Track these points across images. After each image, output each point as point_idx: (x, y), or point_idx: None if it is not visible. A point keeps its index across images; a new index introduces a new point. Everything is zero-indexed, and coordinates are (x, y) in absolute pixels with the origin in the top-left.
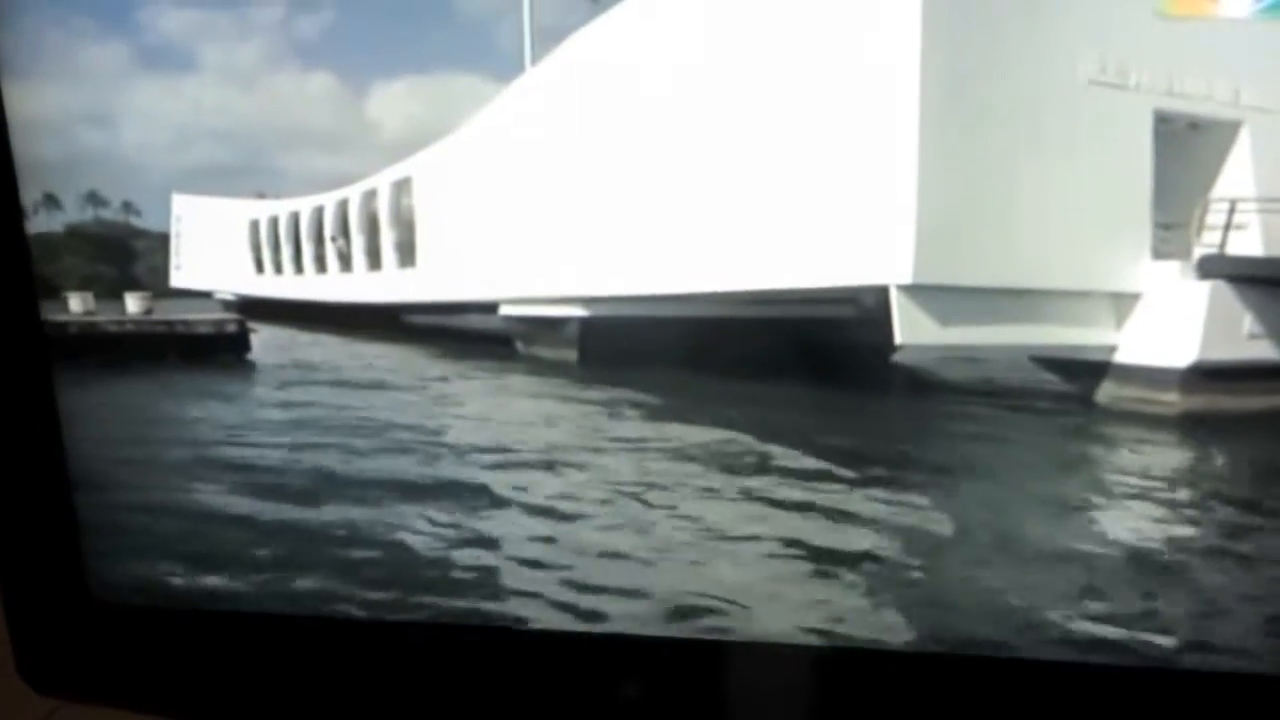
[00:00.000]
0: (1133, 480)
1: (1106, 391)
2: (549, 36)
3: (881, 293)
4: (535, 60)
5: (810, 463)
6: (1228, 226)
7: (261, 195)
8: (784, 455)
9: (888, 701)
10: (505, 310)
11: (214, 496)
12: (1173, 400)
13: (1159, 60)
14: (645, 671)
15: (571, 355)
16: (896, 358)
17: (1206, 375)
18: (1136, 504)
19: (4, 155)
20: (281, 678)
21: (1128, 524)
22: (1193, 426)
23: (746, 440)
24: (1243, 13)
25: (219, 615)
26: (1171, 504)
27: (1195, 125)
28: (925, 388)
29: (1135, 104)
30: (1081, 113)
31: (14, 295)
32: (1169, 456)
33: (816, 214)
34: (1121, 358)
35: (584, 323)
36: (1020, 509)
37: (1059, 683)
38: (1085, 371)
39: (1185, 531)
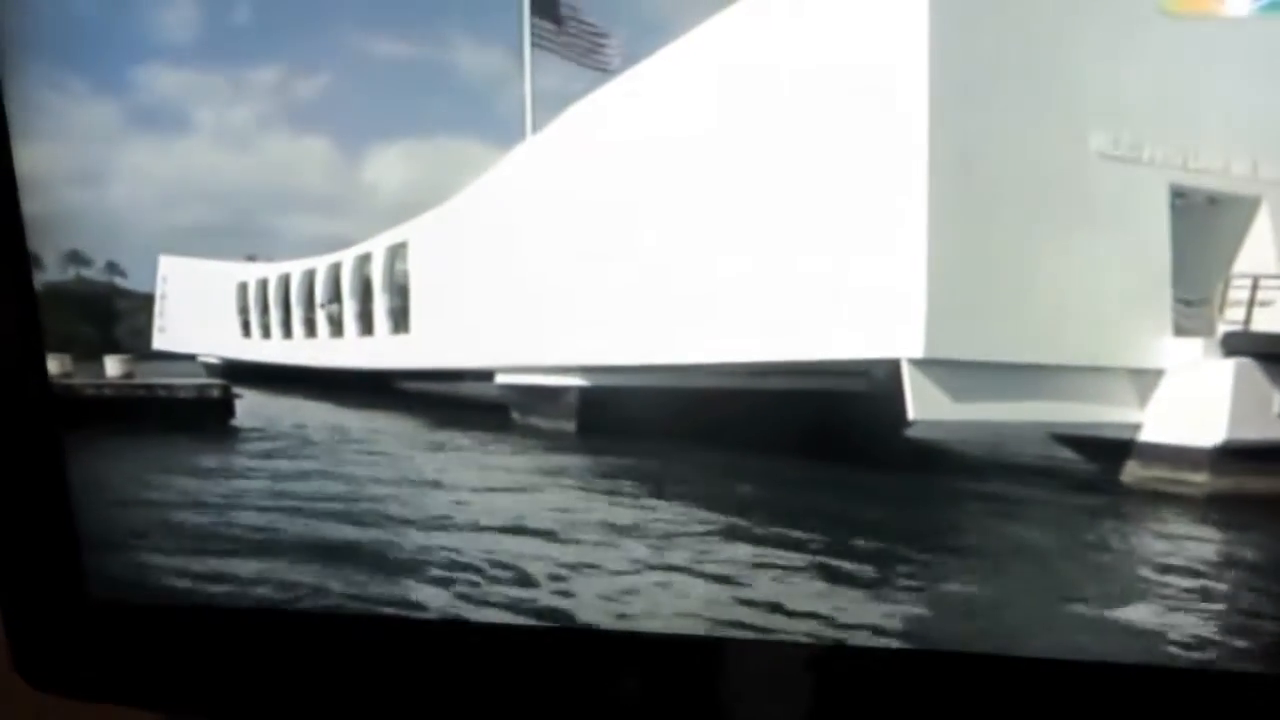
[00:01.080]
0: (1161, 572)
1: (1131, 471)
2: (551, 103)
3: (893, 366)
4: (536, 127)
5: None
6: (1251, 303)
7: (252, 258)
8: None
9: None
10: (501, 378)
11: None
12: (1202, 481)
13: (1173, 134)
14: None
15: (570, 426)
16: (911, 433)
17: (1237, 455)
18: (1162, 599)
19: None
20: (278, 674)
21: (1154, 623)
22: (1223, 509)
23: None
24: (1243, 10)
25: (214, 611)
26: (1203, 595)
27: (1214, 200)
28: (940, 466)
29: (1150, 179)
30: (1094, 187)
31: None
32: (1200, 544)
33: (826, 284)
34: (1146, 436)
35: (583, 392)
36: (1037, 607)
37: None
38: (1108, 450)
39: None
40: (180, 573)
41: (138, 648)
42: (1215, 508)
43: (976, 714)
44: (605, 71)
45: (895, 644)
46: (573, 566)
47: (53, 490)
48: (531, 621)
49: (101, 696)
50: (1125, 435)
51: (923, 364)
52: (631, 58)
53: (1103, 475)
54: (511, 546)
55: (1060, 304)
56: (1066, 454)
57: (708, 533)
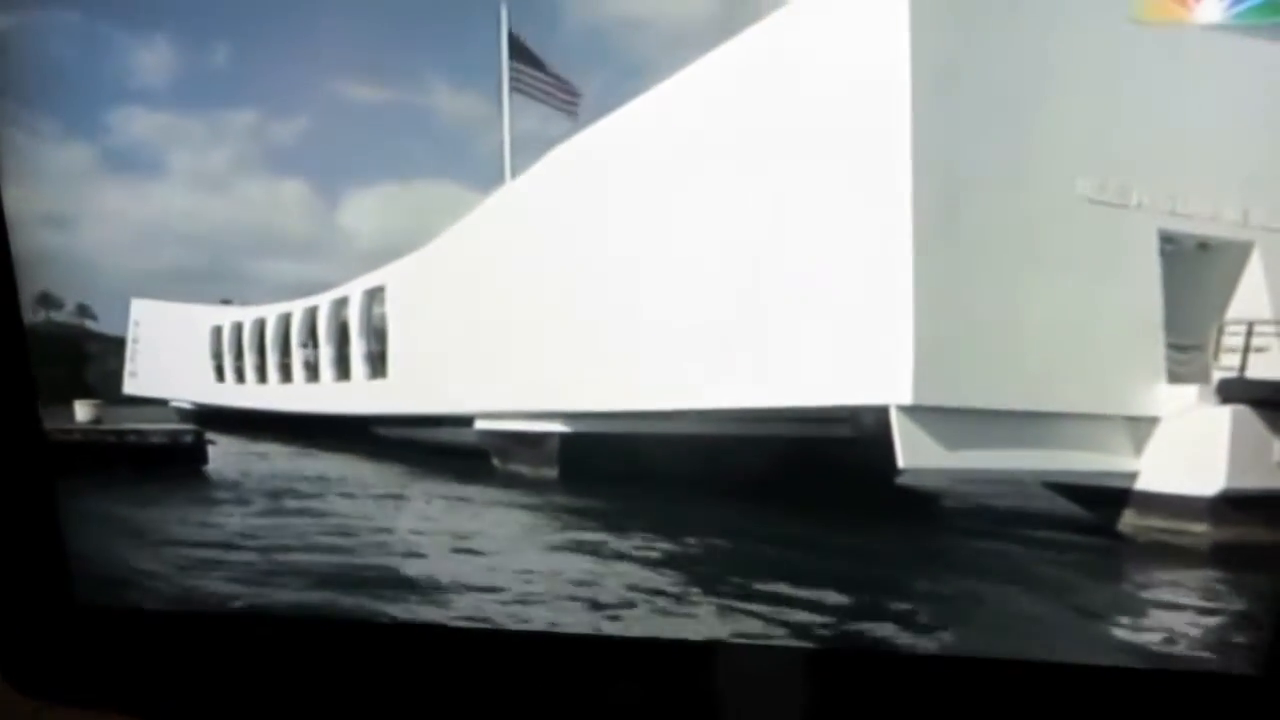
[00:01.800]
0: (1166, 624)
1: (1129, 520)
2: (530, 147)
3: (882, 413)
4: (515, 171)
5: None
6: (1246, 349)
7: (227, 302)
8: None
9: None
10: (481, 424)
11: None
12: (1203, 531)
13: (1162, 179)
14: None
15: (552, 472)
16: (902, 480)
17: (1237, 505)
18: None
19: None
20: (269, 678)
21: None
22: (1226, 559)
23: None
24: (1218, 17)
25: (202, 617)
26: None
27: (1204, 245)
28: (931, 516)
29: (1138, 223)
30: (1081, 232)
31: None
32: (1203, 594)
33: (812, 329)
34: (1143, 485)
35: (565, 439)
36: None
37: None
38: (1105, 499)
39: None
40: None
41: (125, 654)
42: (1218, 557)
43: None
44: (571, 116)
45: None
46: None
47: (39, 505)
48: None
49: (91, 702)
50: (1121, 484)
51: (912, 411)
52: (606, 104)
53: (1100, 524)
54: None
55: (1051, 350)
56: (1061, 502)
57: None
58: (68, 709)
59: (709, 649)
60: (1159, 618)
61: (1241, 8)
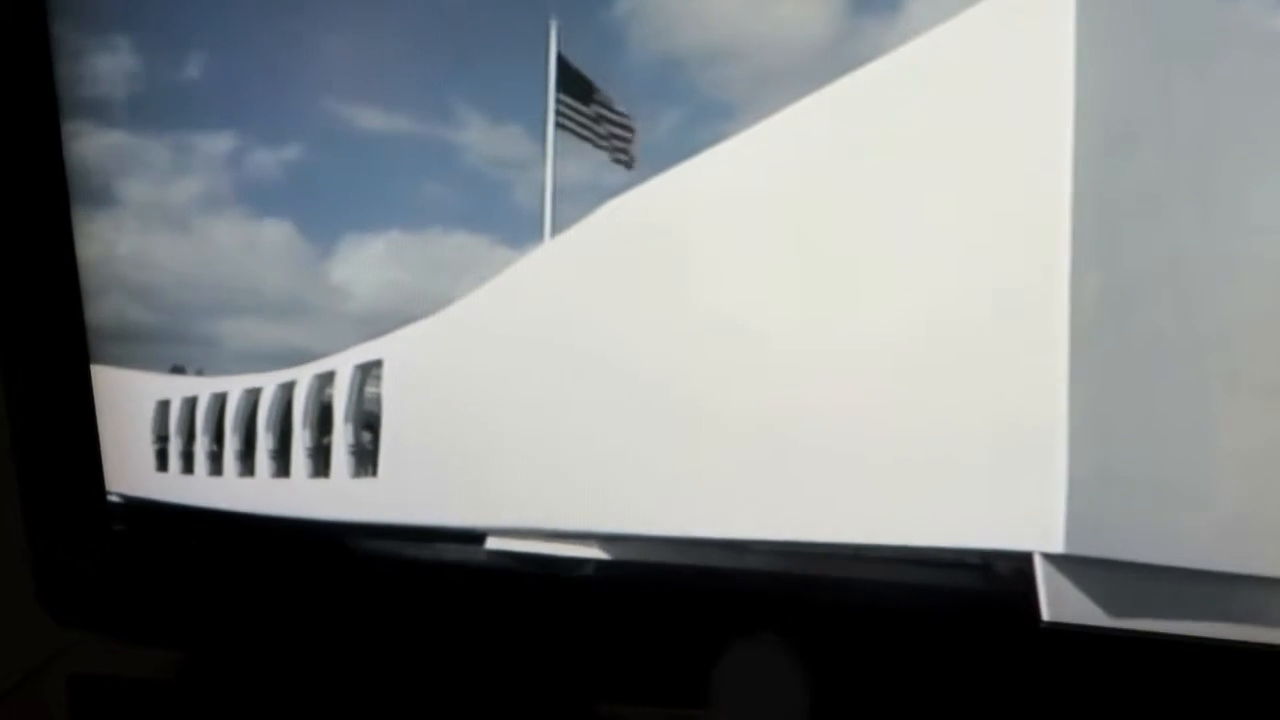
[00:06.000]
0: None
1: None
2: (581, 197)
3: (1020, 560)
4: (556, 227)
5: None
6: None
7: (179, 369)
8: None
9: None
10: (493, 543)
11: None
12: None
13: None
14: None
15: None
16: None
17: None
18: None
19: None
20: (310, 610)
21: None
22: None
23: None
24: None
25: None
26: None
27: None
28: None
29: None
30: None
31: None
32: None
33: (929, 447)
34: None
35: (602, 568)
36: None
37: None
38: None
39: None
40: None
41: (162, 584)
42: None
43: None
44: (627, 166)
45: None
46: None
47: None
48: None
49: (124, 634)
50: None
51: (1063, 561)
52: (675, 149)
53: None
54: None
55: (1253, 491)
56: None
57: None
58: (102, 641)
59: None
60: None
61: None
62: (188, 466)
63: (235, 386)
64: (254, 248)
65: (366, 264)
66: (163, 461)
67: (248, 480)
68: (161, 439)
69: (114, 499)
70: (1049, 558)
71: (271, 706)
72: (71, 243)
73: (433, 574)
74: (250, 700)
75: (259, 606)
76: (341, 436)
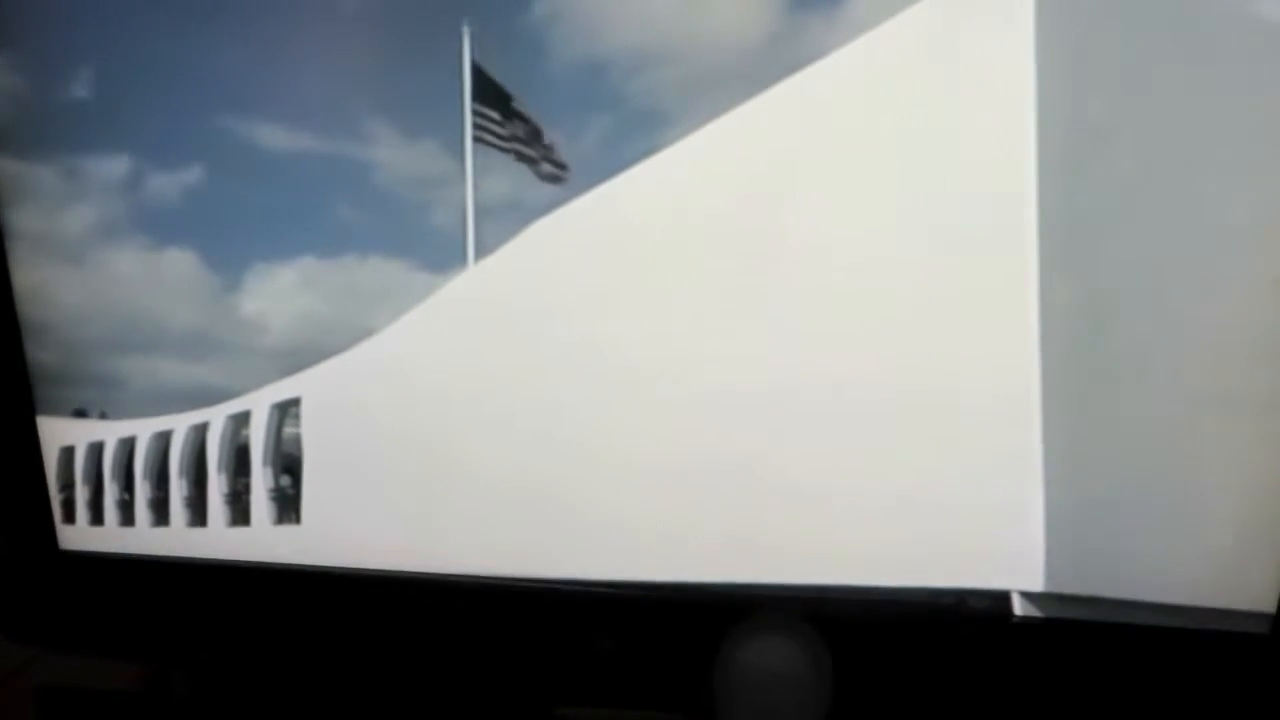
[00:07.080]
0: None
1: None
2: (504, 216)
3: (998, 599)
4: (481, 249)
5: None
6: None
7: (81, 413)
8: None
9: None
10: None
11: None
12: None
13: None
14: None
15: None
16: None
17: None
18: None
19: None
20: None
21: None
22: None
23: None
24: None
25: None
26: None
27: None
28: None
29: None
30: None
31: None
32: None
33: (897, 482)
34: None
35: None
36: None
37: None
38: None
39: None
40: None
41: (117, 600)
42: None
43: None
44: (553, 180)
45: None
46: None
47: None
48: None
49: (81, 649)
50: None
51: (1042, 600)
52: (606, 163)
53: None
54: None
55: (1248, 523)
56: None
57: None
58: (60, 657)
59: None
60: None
61: None
62: (96, 517)
63: (144, 429)
64: (155, 280)
65: (278, 294)
66: (69, 512)
67: (161, 529)
68: (67, 488)
69: None
70: (1029, 596)
71: (238, 718)
72: None
73: (402, 584)
74: (217, 712)
75: (217, 623)
76: (261, 481)
